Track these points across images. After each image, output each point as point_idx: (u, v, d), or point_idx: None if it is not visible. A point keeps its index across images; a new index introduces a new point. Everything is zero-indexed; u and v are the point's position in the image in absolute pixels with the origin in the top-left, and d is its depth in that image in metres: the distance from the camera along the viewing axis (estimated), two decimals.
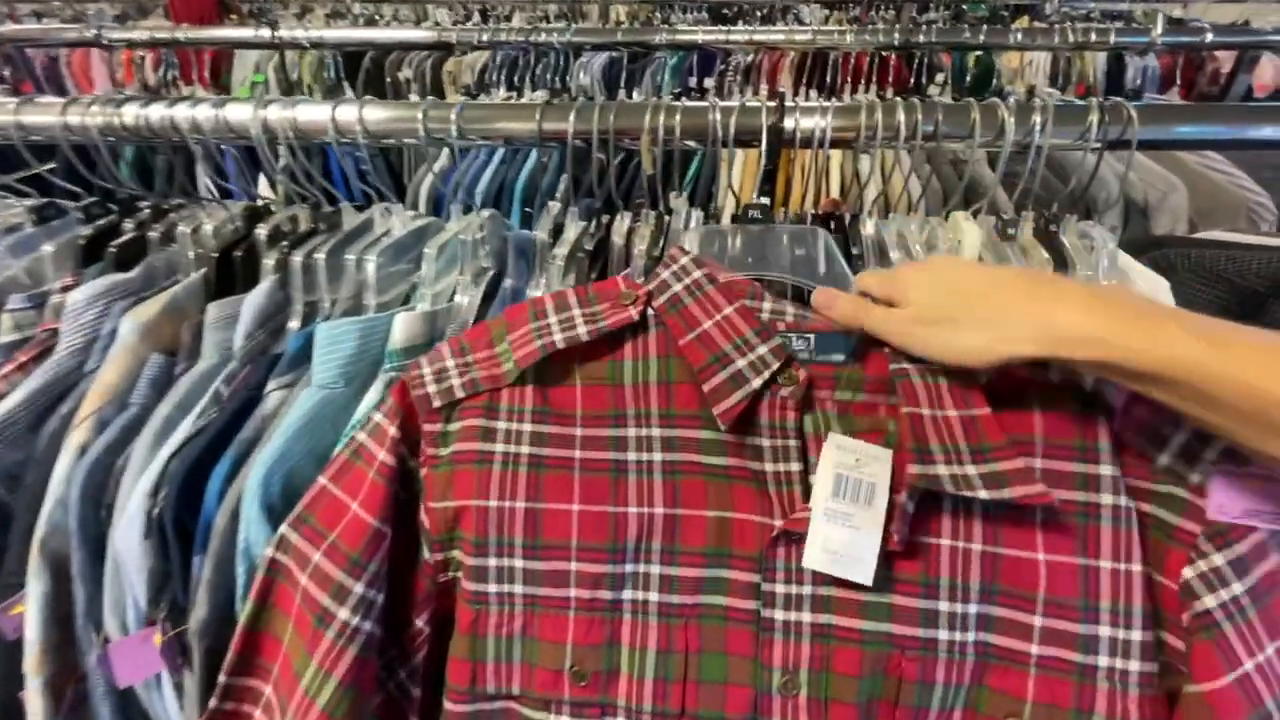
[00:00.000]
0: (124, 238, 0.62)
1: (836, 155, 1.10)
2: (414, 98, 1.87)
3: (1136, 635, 0.38)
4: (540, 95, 1.32)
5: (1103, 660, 0.38)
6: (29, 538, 0.51)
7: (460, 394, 0.44)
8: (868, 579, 0.39)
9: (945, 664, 0.39)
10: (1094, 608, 0.38)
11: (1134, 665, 0.38)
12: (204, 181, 1.03)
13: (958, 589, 0.39)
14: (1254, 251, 0.66)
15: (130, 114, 0.57)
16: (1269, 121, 0.58)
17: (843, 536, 0.39)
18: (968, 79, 1.59)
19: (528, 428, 0.43)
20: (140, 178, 0.80)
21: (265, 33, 1.24)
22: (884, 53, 1.42)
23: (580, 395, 0.44)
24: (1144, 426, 0.39)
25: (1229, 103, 1.28)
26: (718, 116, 0.53)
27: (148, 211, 0.65)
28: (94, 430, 0.53)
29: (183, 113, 0.57)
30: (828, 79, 1.49)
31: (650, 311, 0.45)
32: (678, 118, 0.54)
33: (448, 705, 0.44)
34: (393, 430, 0.44)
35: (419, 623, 0.45)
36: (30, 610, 0.51)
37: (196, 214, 0.65)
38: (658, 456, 0.43)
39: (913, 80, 1.55)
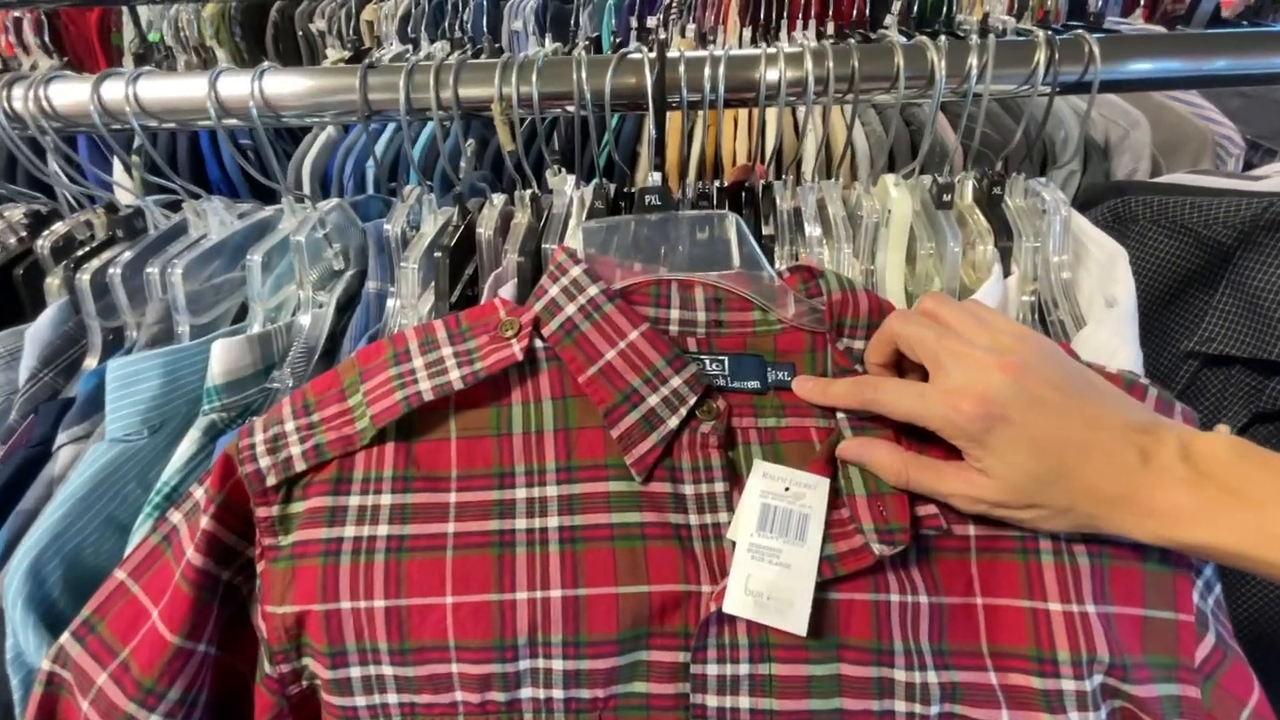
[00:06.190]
0: None
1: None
2: (330, 52, 1.67)
3: (1097, 681, 0.33)
4: (440, 46, 1.18)
5: (1074, 717, 0.33)
6: None
7: (300, 466, 0.35)
8: (801, 628, 0.32)
9: None
10: (1050, 658, 0.33)
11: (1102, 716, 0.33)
12: (54, 169, 0.89)
13: (912, 653, 0.33)
14: (1221, 197, 0.58)
15: None
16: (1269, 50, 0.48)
17: (769, 576, 0.32)
18: (925, 7, 1.47)
19: (386, 500, 0.35)
20: None
21: None
22: None
23: (455, 451, 0.36)
24: None
25: (1205, 30, 1.17)
26: (583, 75, 0.42)
27: None
28: None
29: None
30: (775, 13, 1.37)
31: (539, 343, 0.37)
32: (533, 81, 0.43)
33: None
34: (205, 522, 0.35)
35: None
36: None
37: None
38: (553, 522, 0.35)
39: (868, 10, 1.43)
